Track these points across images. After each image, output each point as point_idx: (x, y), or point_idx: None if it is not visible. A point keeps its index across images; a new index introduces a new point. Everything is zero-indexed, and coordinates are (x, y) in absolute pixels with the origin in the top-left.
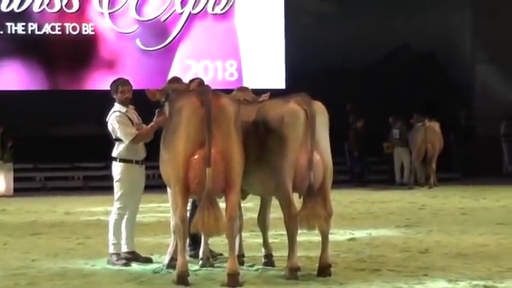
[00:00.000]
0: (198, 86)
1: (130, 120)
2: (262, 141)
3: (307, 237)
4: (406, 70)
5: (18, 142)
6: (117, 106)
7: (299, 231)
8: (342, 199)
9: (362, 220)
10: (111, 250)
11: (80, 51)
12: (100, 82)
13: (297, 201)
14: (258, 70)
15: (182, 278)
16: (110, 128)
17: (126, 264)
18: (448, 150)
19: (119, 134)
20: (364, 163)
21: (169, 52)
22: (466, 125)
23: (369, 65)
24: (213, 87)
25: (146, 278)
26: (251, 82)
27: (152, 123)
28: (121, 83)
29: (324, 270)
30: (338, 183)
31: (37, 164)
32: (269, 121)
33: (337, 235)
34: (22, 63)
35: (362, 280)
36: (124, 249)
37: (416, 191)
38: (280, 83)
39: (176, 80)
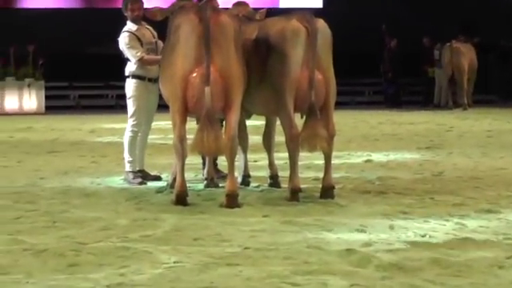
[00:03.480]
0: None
1: (139, 40)
2: (263, 59)
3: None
4: None
5: (52, 60)
6: (128, 25)
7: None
8: (370, 120)
9: (384, 141)
10: (127, 168)
11: None
12: None
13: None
14: None
15: (181, 198)
16: (120, 47)
17: (142, 183)
18: (486, 72)
19: (126, 54)
20: (398, 84)
21: None
22: (505, 46)
23: None
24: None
25: (145, 198)
26: (288, 1)
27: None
28: (131, 1)
29: (326, 192)
30: (371, 104)
31: (71, 82)
32: (270, 38)
33: (354, 157)
34: None
35: (364, 203)
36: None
37: (449, 112)
38: (317, 2)
39: None
